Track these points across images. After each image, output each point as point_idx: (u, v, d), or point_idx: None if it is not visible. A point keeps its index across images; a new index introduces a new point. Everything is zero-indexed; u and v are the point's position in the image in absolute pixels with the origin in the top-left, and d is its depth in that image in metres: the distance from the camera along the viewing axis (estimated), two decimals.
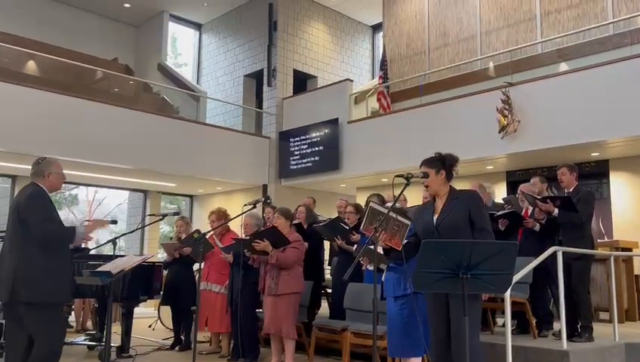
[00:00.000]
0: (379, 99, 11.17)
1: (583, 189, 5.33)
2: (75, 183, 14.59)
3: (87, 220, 7.51)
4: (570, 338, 4.93)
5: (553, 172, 5.56)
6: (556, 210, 5.17)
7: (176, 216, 6.75)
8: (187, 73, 15.29)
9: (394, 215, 3.60)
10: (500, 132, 8.32)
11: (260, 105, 12.90)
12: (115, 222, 5.65)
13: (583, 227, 5.18)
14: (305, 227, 6.30)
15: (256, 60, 13.05)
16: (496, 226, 5.42)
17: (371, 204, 3.91)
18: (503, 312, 4.58)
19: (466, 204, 3.51)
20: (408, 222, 3.68)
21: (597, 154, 8.41)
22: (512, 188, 9.07)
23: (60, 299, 3.92)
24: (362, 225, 3.92)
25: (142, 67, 14.17)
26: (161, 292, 6.55)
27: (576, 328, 5.19)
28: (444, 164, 3.60)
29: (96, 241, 7.38)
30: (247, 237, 5.39)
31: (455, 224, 3.48)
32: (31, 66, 10.94)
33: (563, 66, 9.21)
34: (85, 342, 6.43)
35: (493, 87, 8.82)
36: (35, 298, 3.68)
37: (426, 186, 3.63)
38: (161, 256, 6.76)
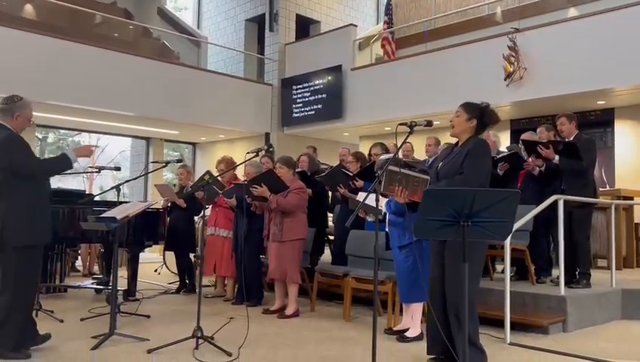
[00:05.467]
0: (383, 46, 10.97)
1: (583, 137, 5.29)
2: (77, 130, 14.56)
3: (91, 166, 7.54)
4: (568, 284, 5.03)
5: None
6: (557, 157, 5.15)
7: (178, 164, 6.77)
8: (187, 17, 14.95)
9: (411, 173, 3.54)
10: (505, 79, 8.21)
11: (261, 51, 12.67)
12: (118, 168, 5.70)
13: (585, 175, 5.17)
14: (309, 175, 6.32)
15: (257, 4, 12.73)
16: (496, 171, 5.41)
17: (390, 167, 3.66)
18: (503, 259, 4.65)
19: (466, 152, 3.41)
20: (427, 177, 3.66)
21: (603, 102, 8.32)
22: (515, 136, 9.01)
23: (43, 240, 3.79)
24: (382, 187, 3.76)
25: (141, 11, 13.81)
26: None
27: (574, 275, 5.28)
28: (481, 116, 3.47)
29: (101, 188, 7.43)
30: (245, 182, 5.40)
31: (448, 173, 3.43)
32: (28, 10, 10.69)
33: (572, 12, 8.98)
34: (93, 286, 6.59)
35: (500, 33, 8.64)
36: (22, 241, 3.60)
37: (452, 126, 3.54)
38: (163, 203, 6.83)
